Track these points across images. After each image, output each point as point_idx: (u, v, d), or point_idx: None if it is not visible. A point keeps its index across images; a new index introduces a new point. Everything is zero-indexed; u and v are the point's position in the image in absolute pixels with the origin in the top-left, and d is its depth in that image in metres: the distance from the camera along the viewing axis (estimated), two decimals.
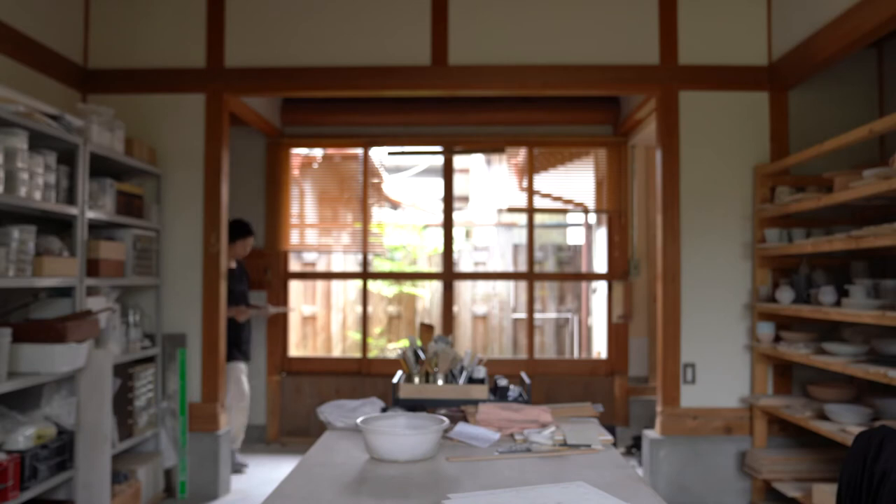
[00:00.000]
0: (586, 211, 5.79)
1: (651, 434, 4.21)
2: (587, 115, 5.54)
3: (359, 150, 5.69)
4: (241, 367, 4.79)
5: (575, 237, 7.02)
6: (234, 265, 4.78)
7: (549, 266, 7.01)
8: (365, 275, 5.74)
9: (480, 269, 7.14)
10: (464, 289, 6.87)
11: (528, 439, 2.11)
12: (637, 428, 5.27)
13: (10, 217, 3.16)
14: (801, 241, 3.64)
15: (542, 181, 5.66)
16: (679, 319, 4.15)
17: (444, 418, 2.06)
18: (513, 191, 6.06)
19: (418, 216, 7.37)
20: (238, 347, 4.72)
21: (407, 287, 6.88)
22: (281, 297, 5.59)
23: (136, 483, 3.74)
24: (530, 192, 5.58)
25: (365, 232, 5.65)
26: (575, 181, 5.72)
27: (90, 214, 3.47)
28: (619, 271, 5.57)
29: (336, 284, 6.78)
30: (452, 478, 1.79)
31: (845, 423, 3.20)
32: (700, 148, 4.19)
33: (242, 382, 4.79)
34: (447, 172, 5.64)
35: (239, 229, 4.76)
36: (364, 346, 5.68)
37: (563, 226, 7.15)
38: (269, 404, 5.46)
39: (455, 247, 5.68)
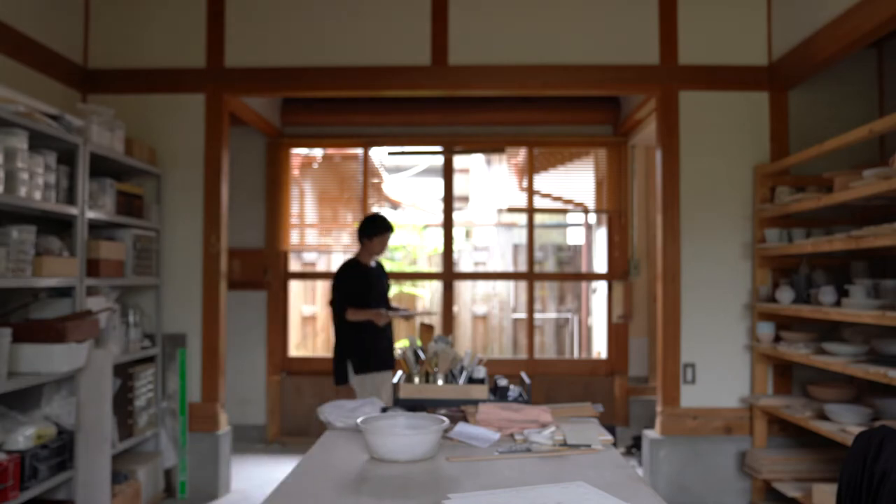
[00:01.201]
0: (586, 211, 5.79)
1: (651, 434, 4.21)
2: (587, 115, 5.54)
3: (359, 150, 5.69)
4: (379, 379, 4.13)
5: (575, 237, 7.02)
6: (373, 263, 4.31)
7: (549, 266, 7.01)
8: None
9: (480, 269, 7.14)
10: (464, 289, 6.87)
11: (528, 439, 2.11)
12: (637, 428, 5.27)
13: (10, 217, 3.16)
14: (801, 241, 3.64)
15: (542, 181, 5.66)
16: (679, 319, 4.15)
17: (444, 418, 2.06)
18: (513, 191, 6.06)
19: (418, 216, 7.36)
20: (376, 355, 4.14)
21: (407, 287, 6.88)
22: (280, 297, 5.59)
23: (136, 483, 3.74)
24: (530, 192, 5.58)
25: None
26: (575, 181, 5.72)
27: (90, 214, 3.47)
28: (619, 271, 5.57)
29: None
30: (452, 478, 1.79)
31: (845, 423, 3.20)
32: (700, 148, 4.19)
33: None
34: (447, 172, 5.64)
35: (377, 224, 4.25)
36: None
37: (563, 226, 7.15)
38: (269, 404, 5.46)
39: (455, 247, 5.68)
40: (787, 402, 3.76)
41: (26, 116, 2.95)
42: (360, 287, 4.18)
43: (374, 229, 4.22)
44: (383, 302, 4.30)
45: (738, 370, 4.13)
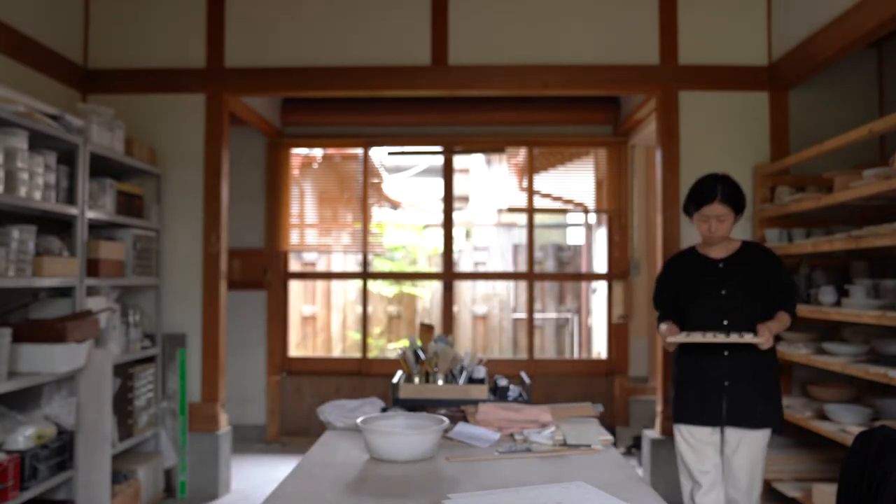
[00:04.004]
0: (586, 211, 5.79)
1: (651, 434, 4.21)
2: (587, 115, 5.53)
3: (359, 150, 5.69)
4: (690, 438, 2.77)
5: (575, 237, 7.02)
6: (724, 253, 2.84)
7: (549, 266, 7.00)
8: (365, 275, 5.74)
9: (480, 269, 7.14)
10: (464, 289, 6.87)
11: (528, 439, 2.11)
12: (637, 428, 5.26)
13: (10, 217, 3.16)
14: (801, 241, 3.64)
15: (542, 181, 5.66)
16: None
17: (444, 418, 2.06)
18: (513, 191, 6.06)
19: (418, 216, 7.36)
20: (686, 395, 2.78)
21: (407, 287, 6.88)
22: (280, 297, 5.58)
23: (136, 483, 3.74)
24: (530, 192, 5.57)
25: (365, 232, 5.65)
26: (575, 181, 5.71)
27: (90, 214, 3.47)
28: (619, 271, 5.57)
29: (336, 284, 6.78)
30: (452, 478, 1.79)
31: (845, 423, 3.20)
32: (700, 148, 4.19)
33: (685, 456, 2.79)
34: (447, 172, 5.64)
35: (689, 194, 2.84)
36: (364, 346, 5.68)
37: (563, 226, 7.15)
38: (269, 404, 5.46)
39: (455, 247, 5.68)
40: (786, 402, 3.75)
41: (26, 116, 2.95)
42: (679, 287, 2.86)
43: (686, 201, 2.85)
44: (727, 315, 2.70)
45: None
